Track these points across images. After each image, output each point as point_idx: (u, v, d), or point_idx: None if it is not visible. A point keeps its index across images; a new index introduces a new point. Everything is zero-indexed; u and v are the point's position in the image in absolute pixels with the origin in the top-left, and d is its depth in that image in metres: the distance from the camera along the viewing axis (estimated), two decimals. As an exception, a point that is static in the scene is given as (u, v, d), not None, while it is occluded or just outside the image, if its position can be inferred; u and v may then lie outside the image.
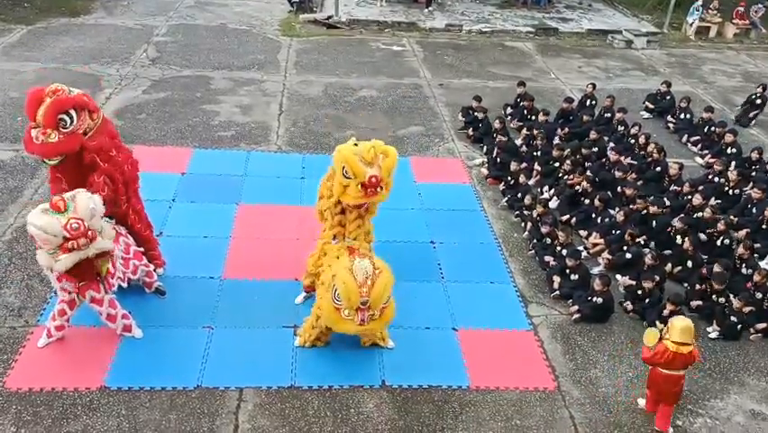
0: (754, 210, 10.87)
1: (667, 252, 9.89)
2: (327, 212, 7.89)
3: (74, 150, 7.16)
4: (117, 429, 6.70)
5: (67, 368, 7.34)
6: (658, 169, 11.90)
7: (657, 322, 8.09)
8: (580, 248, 9.85)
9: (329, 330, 7.64)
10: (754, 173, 12.15)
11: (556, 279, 9.18)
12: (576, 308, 8.79)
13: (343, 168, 7.12)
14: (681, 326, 6.82)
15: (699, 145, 13.66)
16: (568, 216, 10.79)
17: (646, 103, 15.44)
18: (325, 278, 7.32)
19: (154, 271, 8.50)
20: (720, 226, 9.91)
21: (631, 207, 10.40)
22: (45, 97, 6.90)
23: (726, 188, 11.56)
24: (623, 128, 13.36)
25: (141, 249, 8.21)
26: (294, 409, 7.12)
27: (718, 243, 9.95)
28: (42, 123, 6.87)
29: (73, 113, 6.97)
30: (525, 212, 10.64)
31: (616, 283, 9.32)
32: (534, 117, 13.81)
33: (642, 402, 7.52)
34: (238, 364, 7.57)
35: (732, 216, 10.71)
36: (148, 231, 8.56)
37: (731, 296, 8.74)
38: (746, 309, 8.57)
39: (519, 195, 10.99)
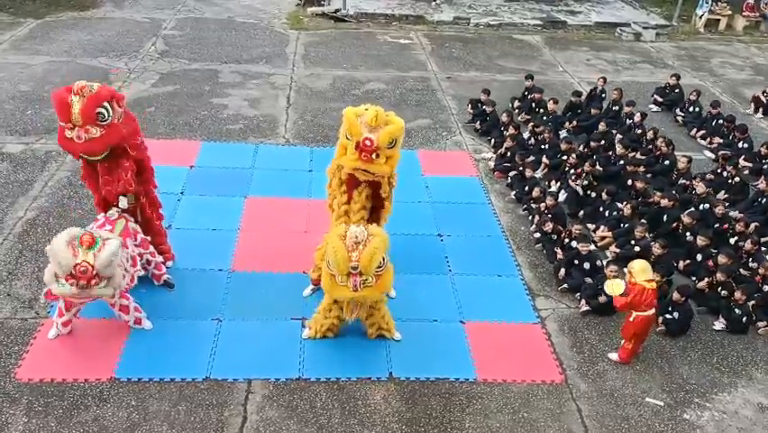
0: (763, 202, 10.79)
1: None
2: (334, 202, 7.93)
3: (117, 140, 7.17)
4: (127, 420, 6.78)
5: (77, 359, 7.42)
6: (666, 162, 11.86)
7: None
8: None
9: (340, 321, 7.69)
10: (765, 166, 12.07)
11: (562, 271, 9.18)
12: (584, 301, 8.79)
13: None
14: (640, 266, 7.56)
15: (708, 139, 13.59)
16: (576, 209, 10.77)
17: (655, 96, 15.35)
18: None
19: (163, 263, 8.57)
20: (739, 227, 9.80)
21: (641, 199, 10.33)
22: (70, 96, 6.85)
23: (730, 181, 11.47)
24: (631, 121, 13.31)
25: (148, 237, 8.26)
26: (302, 400, 7.16)
27: (732, 240, 9.85)
28: (81, 120, 6.81)
29: (107, 105, 6.97)
30: (533, 205, 10.63)
31: (623, 277, 9.29)
32: (541, 110, 13.79)
33: (614, 357, 8.00)
34: (246, 356, 7.63)
35: (737, 213, 10.64)
36: (158, 222, 8.63)
37: (735, 289, 8.72)
38: (751, 303, 8.55)
39: (527, 188, 10.99)
